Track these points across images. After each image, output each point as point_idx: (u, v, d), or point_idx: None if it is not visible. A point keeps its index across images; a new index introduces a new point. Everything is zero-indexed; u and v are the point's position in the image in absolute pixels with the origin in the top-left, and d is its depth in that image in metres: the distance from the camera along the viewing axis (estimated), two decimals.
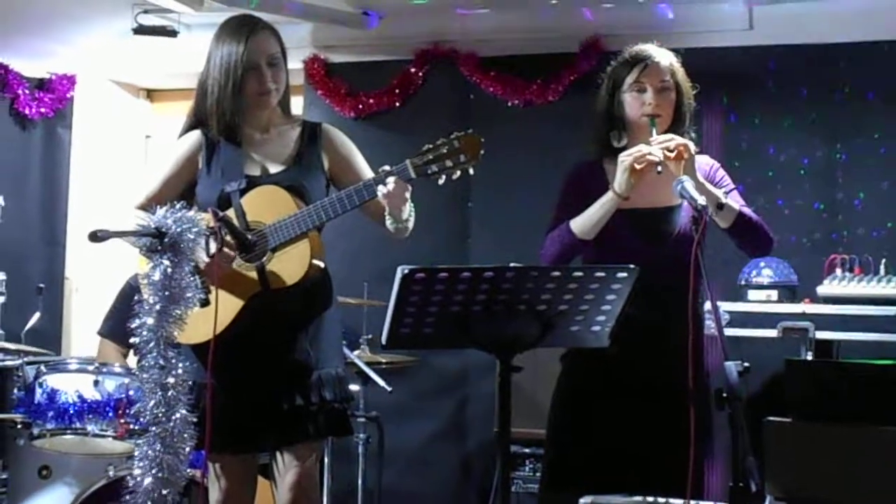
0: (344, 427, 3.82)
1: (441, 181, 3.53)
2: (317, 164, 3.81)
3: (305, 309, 3.72)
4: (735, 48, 6.26)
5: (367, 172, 3.80)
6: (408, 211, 3.64)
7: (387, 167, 3.54)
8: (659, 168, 3.57)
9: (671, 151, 3.61)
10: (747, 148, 6.20)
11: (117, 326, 5.01)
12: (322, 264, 3.69)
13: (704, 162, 3.79)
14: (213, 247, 3.43)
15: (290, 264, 3.60)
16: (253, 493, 3.84)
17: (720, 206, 3.65)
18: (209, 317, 3.42)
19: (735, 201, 3.75)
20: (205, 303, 3.38)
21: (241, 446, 3.70)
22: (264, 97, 3.75)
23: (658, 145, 3.63)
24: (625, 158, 3.65)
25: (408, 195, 3.58)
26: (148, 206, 3.62)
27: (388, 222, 3.65)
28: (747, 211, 3.75)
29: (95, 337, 5.62)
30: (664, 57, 3.85)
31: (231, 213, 3.62)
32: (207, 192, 3.74)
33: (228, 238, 3.50)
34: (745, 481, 2.85)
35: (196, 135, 3.83)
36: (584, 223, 3.72)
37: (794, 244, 5.97)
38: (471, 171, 3.52)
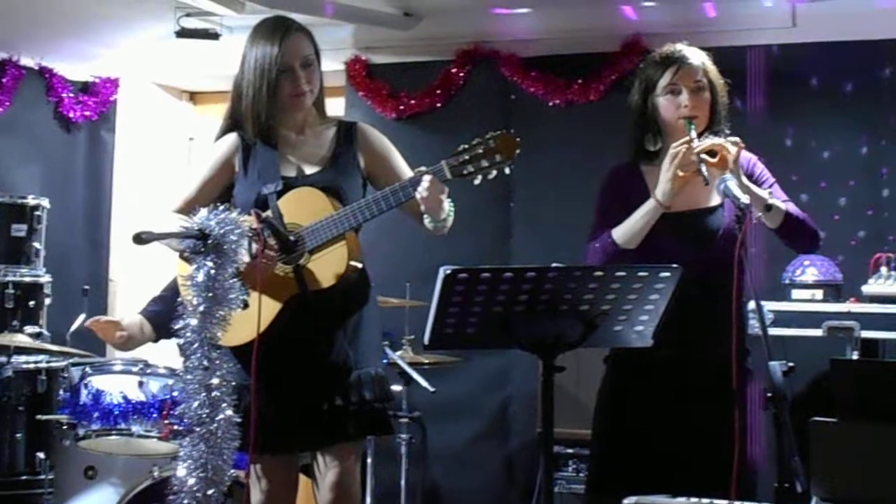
0: (384, 426, 3.82)
1: (477, 181, 3.51)
2: (353, 164, 3.81)
3: (343, 310, 3.72)
4: (778, 46, 6.23)
5: (405, 170, 3.80)
6: (446, 210, 3.63)
7: (423, 168, 3.53)
8: (706, 179, 3.52)
9: (713, 157, 3.58)
10: (791, 146, 6.16)
11: (160, 312, 4.98)
12: (359, 265, 3.69)
13: (743, 156, 3.71)
14: (255, 248, 3.44)
15: (327, 266, 3.60)
16: (294, 493, 3.84)
17: (768, 208, 3.61)
18: (248, 319, 3.43)
19: (779, 197, 3.71)
20: (245, 305, 3.39)
21: (281, 447, 3.70)
22: (298, 99, 3.75)
23: (699, 149, 3.59)
24: (668, 167, 3.61)
25: (444, 196, 3.57)
26: (185, 209, 3.63)
27: (426, 221, 3.65)
28: (793, 209, 3.71)
29: None
30: (696, 56, 3.79)
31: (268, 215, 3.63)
32: (245, 194, 3.75)
33: (271, 240, 3.52)
34: (790, 482, 2.84)
35: (232, 137, 3.84)
36: (626, 233, 3.68)
37: (839, 243, 5.92)
38: (507, 171, 3.50)
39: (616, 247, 3.69)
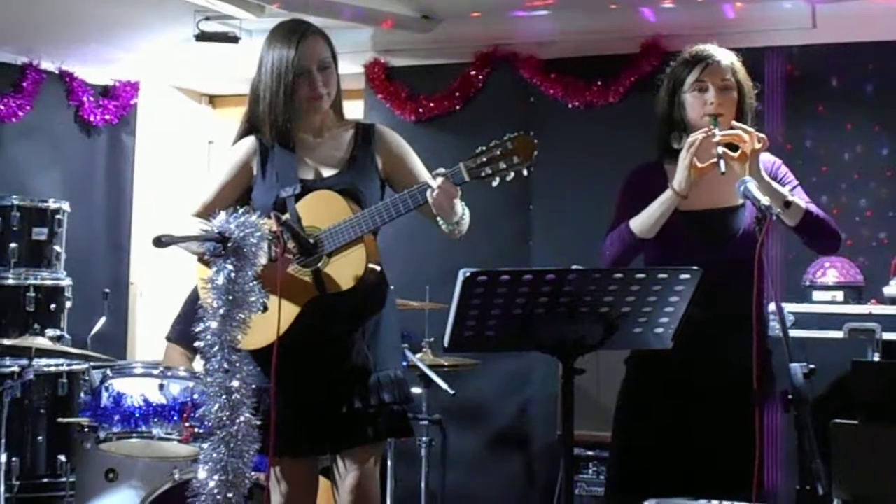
0: (404, 429, 3.82)
1: (495, 183, 3.50)
2: (371, 166, 3.81)
3: (362, 312, 3.72)
4: (798, 47, 6.20)
5: (422, 172, 3.80)
6: (458, 213, 3.62)
7: (442, 170, 3.53)
8: (722, 168, 3.52)
9: (734, 151, 3.57)
10: (811, 147, 6.14)
11: (186, 331, 5.04)
12: (378, 267, 3.69)
13: (766, 159, 3.71)
14: (274, 252, 3.45)
15: (346, 269, 3.60)
16: (314, 496, 3.85)
17: (787, 204, 3.59)
18: (267, 322, 3.44)
19: (800, 198, 3.70)
20: (264, 308, 3.40)
21: (301, 450, 3.71)
22: (316, 102, 3.75)
23: (720, 137, 3.58)
24: (685, 155, 3.61)
25: (457, 200, 3.56)
26: (204, 213, 3.64)
27: (440, 224, 3.64)
28: (814, 208, 3.68)
29: (160, 341, 5.65)
30: (725, 56, 3.79)
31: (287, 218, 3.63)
32: (263, 197, 3.75)
33: (290, 243, 3.52)
34: (812, 484, 2.82)
35: (250, 141, 3.85)
36: (643, 222, 3.69)
37: (860, 244, 5.90)
38: (524, 173, 3.49)
39: (633, 236, 3.69)
